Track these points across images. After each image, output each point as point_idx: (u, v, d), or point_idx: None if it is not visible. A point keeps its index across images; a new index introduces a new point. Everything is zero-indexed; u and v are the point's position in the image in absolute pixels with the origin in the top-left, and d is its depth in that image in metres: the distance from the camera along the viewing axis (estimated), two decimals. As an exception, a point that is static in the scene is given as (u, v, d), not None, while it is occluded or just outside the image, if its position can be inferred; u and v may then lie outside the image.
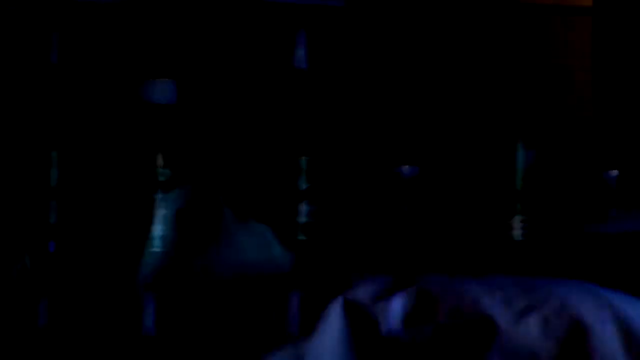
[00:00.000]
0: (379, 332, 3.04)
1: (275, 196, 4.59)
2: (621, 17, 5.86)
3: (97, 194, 4.98)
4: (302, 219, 4.27)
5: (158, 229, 4.13)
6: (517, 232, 4.25)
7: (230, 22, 5.73)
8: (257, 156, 5.16)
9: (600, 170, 4.62)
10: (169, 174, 4.48)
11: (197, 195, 4.14)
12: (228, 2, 5.64)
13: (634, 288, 3.33)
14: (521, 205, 4.59)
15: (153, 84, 5.56)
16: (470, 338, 3.05)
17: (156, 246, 4.14)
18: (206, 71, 5.55)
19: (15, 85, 5.27)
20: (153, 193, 4.33)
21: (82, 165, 4.89)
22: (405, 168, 4.81)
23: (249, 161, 5.12)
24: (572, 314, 3.06)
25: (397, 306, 2.97)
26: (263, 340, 3.43)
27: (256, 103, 5.24)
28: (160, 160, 4.49)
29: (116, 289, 4.10)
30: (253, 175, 5.05)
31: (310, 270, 3.68)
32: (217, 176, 4.63)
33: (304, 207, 4.18)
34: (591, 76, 5.95)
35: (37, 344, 4.00)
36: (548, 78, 5.85)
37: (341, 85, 5.33)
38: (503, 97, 5.71)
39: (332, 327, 3.04)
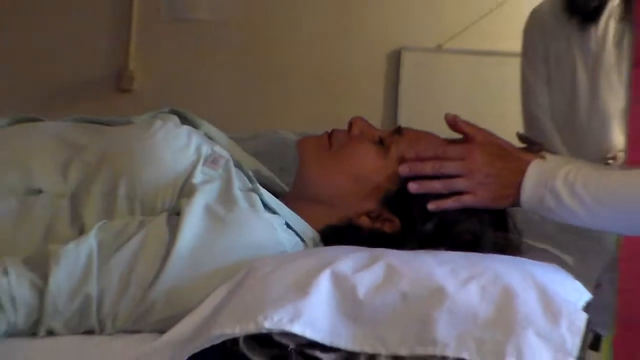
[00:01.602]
0: (357, 296, 2.87)
1: None
2: None
3: None
4: None
5: None
6: None
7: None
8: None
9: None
10: None
11: None
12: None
13: None
14: None
15: None
16: (426, 301, 2.91)
17: None
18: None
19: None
20: None
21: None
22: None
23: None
24: (504, 283, 2.94)
25: (370, 277, 2.95)
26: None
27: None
28: None
29: None
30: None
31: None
32: None
33: None
34: None
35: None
36: None
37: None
38: None
39: (322, 291, 2.86)
